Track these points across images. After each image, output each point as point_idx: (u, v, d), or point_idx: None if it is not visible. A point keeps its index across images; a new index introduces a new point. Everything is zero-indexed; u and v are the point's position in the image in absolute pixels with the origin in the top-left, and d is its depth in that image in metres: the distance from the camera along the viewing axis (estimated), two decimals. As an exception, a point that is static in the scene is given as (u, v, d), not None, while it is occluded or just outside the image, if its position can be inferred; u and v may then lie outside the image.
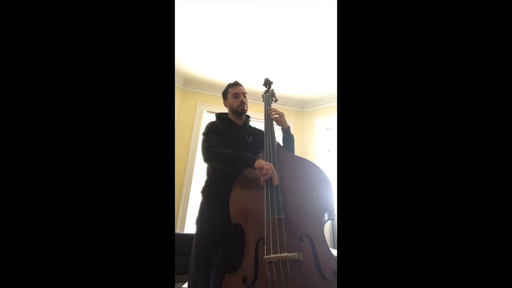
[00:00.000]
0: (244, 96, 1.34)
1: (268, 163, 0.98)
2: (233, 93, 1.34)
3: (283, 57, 2.32)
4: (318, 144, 2.89)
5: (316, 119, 3.01)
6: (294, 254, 0.81)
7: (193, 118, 2.68)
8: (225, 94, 1.39)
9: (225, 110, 1.41)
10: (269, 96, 1.40)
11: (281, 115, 1.27)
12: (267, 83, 1.47)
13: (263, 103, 1.38)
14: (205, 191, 1.18)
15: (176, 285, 1.62)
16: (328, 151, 2.85)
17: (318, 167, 1.02)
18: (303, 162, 1.05)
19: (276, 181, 0.94)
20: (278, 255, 0.82)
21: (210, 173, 1.20)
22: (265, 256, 0.84)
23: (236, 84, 1.38)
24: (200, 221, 1.12)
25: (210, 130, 1.22)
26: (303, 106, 3.11)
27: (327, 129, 2.96)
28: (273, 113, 1.26)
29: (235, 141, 1.22)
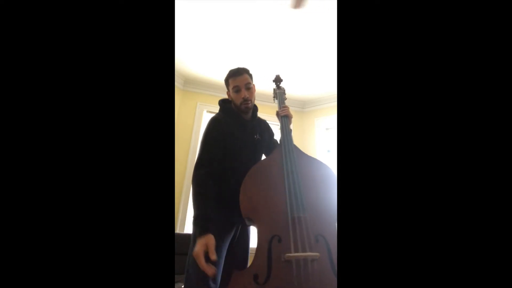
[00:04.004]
0: (248, 88, 1.11)
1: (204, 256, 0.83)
2: (233, 85, 1.12)
3: (283, 57, 2.32)
4: (318, 144, 2.89)
5: (316, 119, 3.01)
6: (317, 254, 0.81)
7: (193, 118, 2.68)
8: (227, 83, 1.17)
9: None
10: (282, 93, 1.33)
11: (291, 116, 1.23)
12: (278, 79, 1.40)
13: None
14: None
15: (176, 285, 1.62)
16: (328, 151, 2.85)
17: (330, 168, 1.03)
18: (316, 162, 1.06)
19: (212, 274, 0.82)
20: (301, 253, 0.81)
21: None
22: (287, 254, 0.81)
23: (236, 74, 1.12)
24: None
25: (209, 138, 1.05)
26: (303, 106, 3.11)
27: (327, 129, 2.96)
28: (286, 110, 1.21)
29: (242, 141, 1.09)
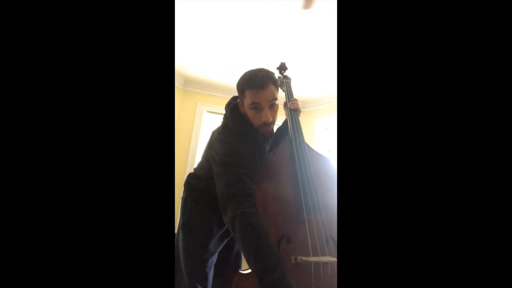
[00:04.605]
0: (272, 106, 0.82)
1: None
2: (252, 101, 0.81)
3: (283, 57, 2.32)
4: (318, 144, 2.89)
5: (316, 119, 3.01)
6: (335, 259, 0.75)
7: (193, 118, 2.68)
8: (241, 93, 0.86)
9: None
10: (289, 82, 1.18)
11: (300, 110, 1.06)
12: (283, 67, 1.23)
13: None
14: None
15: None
16: (328, 151, 2.85)
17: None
18: (326, 160, 0.98)
19: None
20: (321, 258, 0.75)
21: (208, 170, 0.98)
22: (303, 258, 0.75)
23: (258, 86, 0.79)
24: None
25: (229, 163, 0.80)
26: (303, 106, 3.11)
27: (327, 129, 2.96)
28: (296, 103, 1.05)
29: (256, 162, 0.87)
